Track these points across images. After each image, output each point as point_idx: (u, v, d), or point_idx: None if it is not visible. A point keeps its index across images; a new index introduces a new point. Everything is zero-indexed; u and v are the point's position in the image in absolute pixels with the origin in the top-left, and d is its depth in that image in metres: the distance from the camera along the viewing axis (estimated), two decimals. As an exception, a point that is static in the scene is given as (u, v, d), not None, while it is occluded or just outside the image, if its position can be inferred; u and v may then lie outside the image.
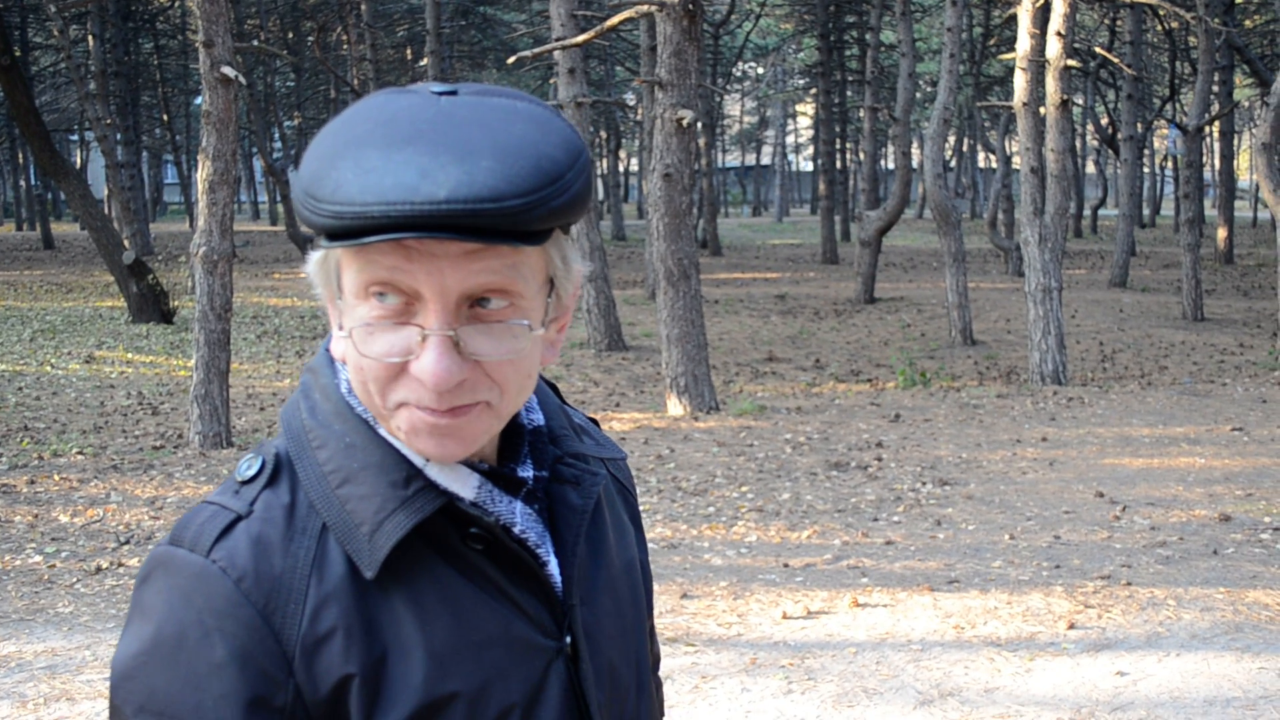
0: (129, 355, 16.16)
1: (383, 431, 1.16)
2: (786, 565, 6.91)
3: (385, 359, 1.08)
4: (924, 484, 8.79)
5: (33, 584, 6.67)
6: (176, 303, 19.53)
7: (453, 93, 1.10)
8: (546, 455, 1.26)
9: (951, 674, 5.28)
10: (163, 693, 1.09)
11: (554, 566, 1.23)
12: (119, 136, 29.32)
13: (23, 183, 51.67)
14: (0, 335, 17.89)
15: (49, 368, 15.05)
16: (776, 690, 5.14)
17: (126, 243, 20.58)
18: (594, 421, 1.43)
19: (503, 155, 1.04)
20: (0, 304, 21.74)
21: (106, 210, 24.80)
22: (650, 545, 7.28)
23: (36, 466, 9.49)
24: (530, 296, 1.11)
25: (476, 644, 1.16)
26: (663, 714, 1.49)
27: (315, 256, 1.15)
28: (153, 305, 18.88)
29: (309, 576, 1.12)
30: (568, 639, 1.22)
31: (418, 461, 1.16)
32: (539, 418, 1.29)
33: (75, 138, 51.81)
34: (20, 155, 47.86)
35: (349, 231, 1.03)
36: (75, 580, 6.73)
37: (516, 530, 1.20)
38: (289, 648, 1.10)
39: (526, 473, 1.23)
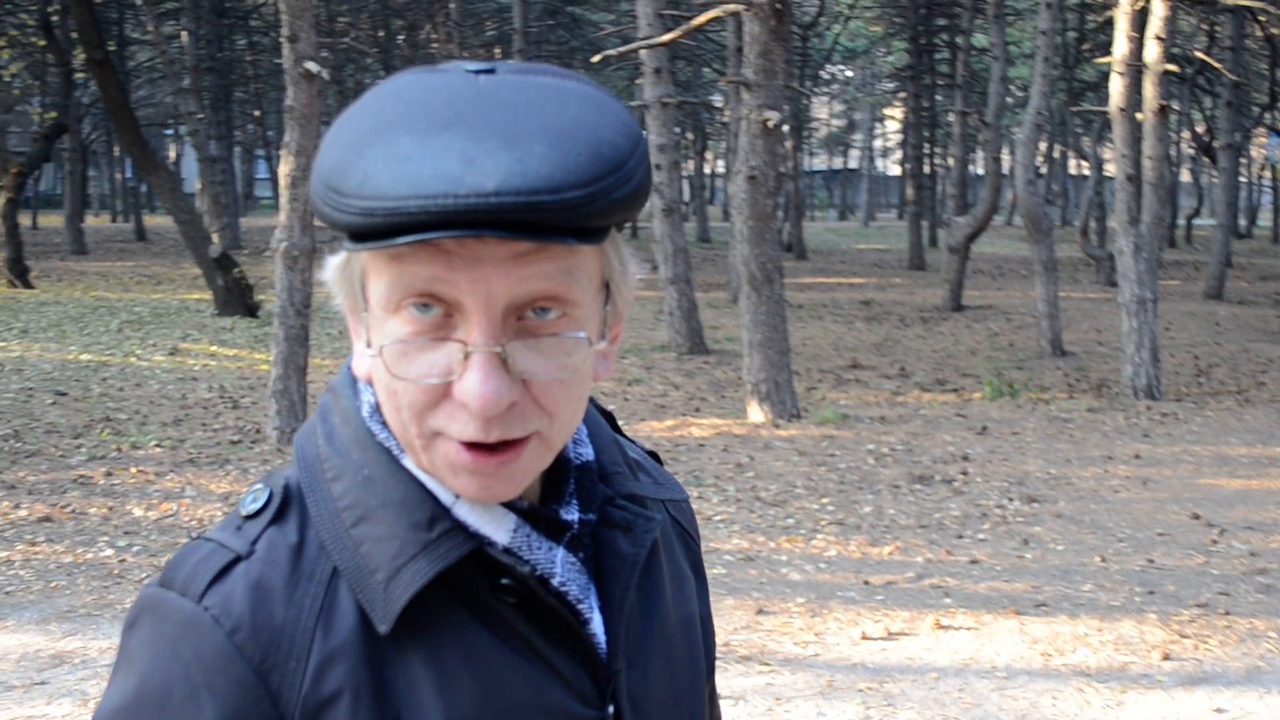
0: (213, 348, 16.28)
1: (407, 462, 1.01)
2: (867, 582, 6.68)
3: (423, 381, 0.93)
4: (1011, 500, 8.50)
5: (102, 578, 6.64)
6: (262, 296, 19.67)
7: (490, 70, 0.94)
8: (595, 495, 1.09)
9: (1039, 705, 5.04)
10: None
11: (598, 624, 1.06)
12: (211, 131, 29.70)
13: (118, 175, 52.74)
14: (89, 325, 18.12)
15: (134, 359, 15.18)
16: (854, 715, 4.93)
17: (214, 236, 20.80)
18: (654, 455, 1.25)
19: (557, 140, 0.88)
20: (91, 294, 22.06)
21: (198, 204, 25.09)
22: (726, 558, 7.10)
23: (115, 459, 9.52)
24: (586, 304, 0.95)
25: (504, 711, 1.00)
26: None
27: (335, 261, 1.00)
28: (238, 299, 19.03)
29: (314, 629, 0.97)
30: (610, 708, 1.06)
31: (445, 499, 1.00)
32: (588, 451, 1.11)
33: (170, 132, 52.76)
34: (116, 148, 48.82)
35: (379, 230, 0.88)
36: (145, 575, 6.68)
37: (555, 582, 1.03)
38: (287, 711, 0.96)
39: (571, 515, 1.06)
